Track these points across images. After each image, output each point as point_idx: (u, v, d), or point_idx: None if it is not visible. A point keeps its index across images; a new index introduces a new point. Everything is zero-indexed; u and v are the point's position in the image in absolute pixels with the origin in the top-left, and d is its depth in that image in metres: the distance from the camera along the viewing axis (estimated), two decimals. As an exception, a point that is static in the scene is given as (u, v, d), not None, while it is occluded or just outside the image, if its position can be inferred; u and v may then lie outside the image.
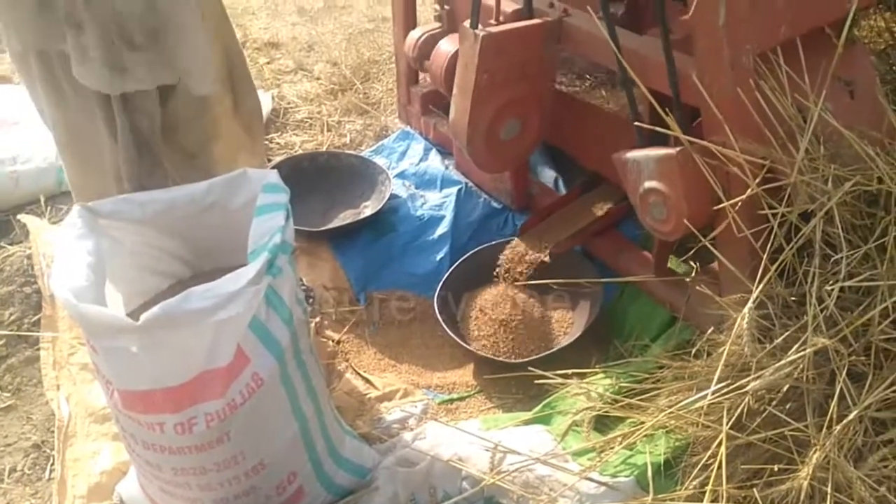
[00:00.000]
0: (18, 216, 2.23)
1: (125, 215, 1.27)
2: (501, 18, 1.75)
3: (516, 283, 1.89)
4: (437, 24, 2.11)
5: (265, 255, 1.16)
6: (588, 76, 2.11)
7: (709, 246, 1.41)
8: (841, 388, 1.25)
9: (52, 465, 1.62)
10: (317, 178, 2.28)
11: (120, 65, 1.30)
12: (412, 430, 1.64)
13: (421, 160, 2.39)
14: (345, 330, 1.94)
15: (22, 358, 1.86)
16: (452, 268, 2.01)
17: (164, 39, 1.34)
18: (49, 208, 2.31)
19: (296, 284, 1.30)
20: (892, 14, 2.31)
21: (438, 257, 2.09)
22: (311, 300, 1.94)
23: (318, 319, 1.92)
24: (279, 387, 1.25)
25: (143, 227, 1.30)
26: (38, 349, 1.86)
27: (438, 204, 2.20)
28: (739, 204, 1.36)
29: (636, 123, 1.55)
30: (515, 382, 1.77)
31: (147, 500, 1.39)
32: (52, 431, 1.67)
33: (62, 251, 1.16)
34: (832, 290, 1.30)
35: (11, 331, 1.90)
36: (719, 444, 1.24)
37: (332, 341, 1.88)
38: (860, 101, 1.57)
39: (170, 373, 1.12)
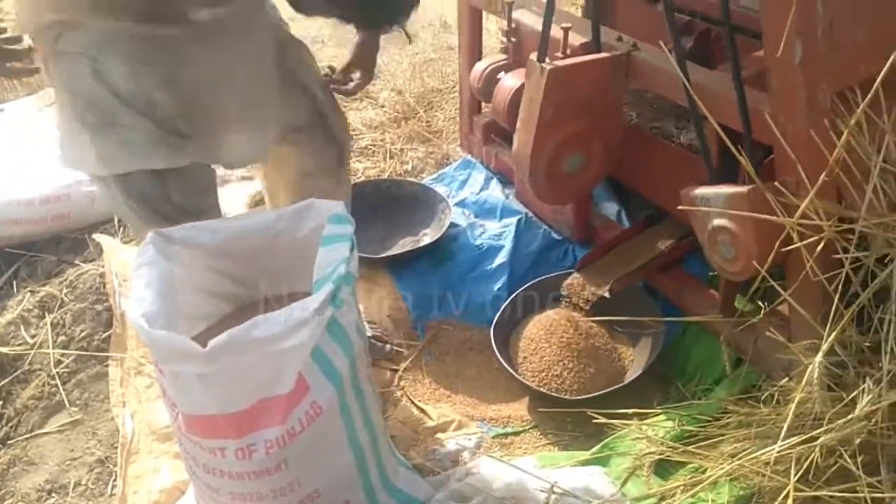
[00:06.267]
0: (93, 235, 2.32)
1: (196, 241, 1.30)
2: (569, 52, 1.75)
3: (575, 317, 1.86)
4: (503, 56, 2.12)
5: (330, 286, 1.18)
6: (657, 109, 2.08)
7: (779, 290, 1.36)
8: (920, 444, 1.19)
9: (115, 480, 1.67)
10: (378, 205, 2.31)
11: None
12: (466, 463, 1.62)
13: (482, 189, 2.40)
14: (404, 364, 1.93)
15: (91, 373, 1.93)
16: (510, 298, 2.00)
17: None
18: (122, 228, 2.40)
19: (357, 314, 1.32)
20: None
21: (497, 287, 2.08)
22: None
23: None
24: (337, 416, 1.26)
25: (212, 252, 1.33)
26: (107, 366, 1.92)
27: (498, 233, 2.19)
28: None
29: (707, 160, 1.52)
30: (572, 419, 1.74)
31: (204, 521, 1.41)
32: (116, 447, 1.72)
33: (136, 276, 1.20)
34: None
35: (82, 347, 1.98)
36: (786, 497, 1.19)
37: (389, 370, 1.89)
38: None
39: (233, 398, 1.14)
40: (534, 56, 1.67)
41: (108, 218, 2.42)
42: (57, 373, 1.92)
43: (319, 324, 1.17)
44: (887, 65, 1.25)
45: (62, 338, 2.01)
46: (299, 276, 1.32)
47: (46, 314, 2.08)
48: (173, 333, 1.11)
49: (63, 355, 1.96)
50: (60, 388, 1.89)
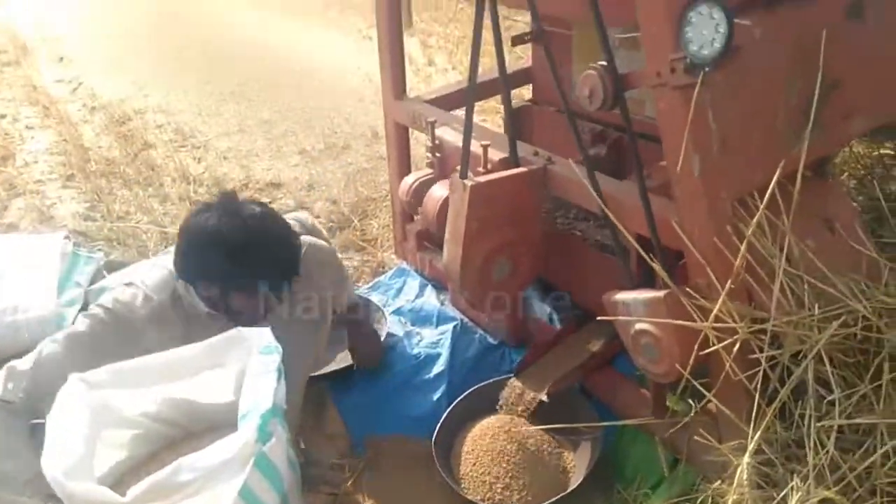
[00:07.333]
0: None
1: (120, 383, 1.27)
2: (489, 166, 1.83)
3: (514, 426, 1.86)
4: (430, 171, 2.19)
5: (256, 422, 1.16)
6: (582, 213, 2.18)
7: (703, 391, 1.40)
8: (850, 538, 1.21)
9: None
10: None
11: None
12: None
13: (416, 297, 2.42)
14: (344, 486, 1.87)
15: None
16: (450, 408, 1.98)
17: None
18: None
19: (288, 446, 1.29)
20: (870, 142, 2.39)
21: (436, 396, 2.06)
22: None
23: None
24: (269, 555, 1.21)
25: (137, 393, 1.30)
26: (29, 509, 1.81)
27: (435, 341, 2.20)
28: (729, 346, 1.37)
29: (625, 265, 1.58)
30: (519, 531, 1.70)
31: None
32: None
33: (55, 424, 1.15)
34: (830, 431, 1.29)
35: (2, 490, 1.86)
36: None
37: (328, 494, 1.83)
38: (841, 236, 1.61)
39: (156, 549, 1.10)
40: (457, 174, 1.73)
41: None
42: (-27, 521, 1.80)
43: (246, 461, 1.14)
44: (777, 171, 1.35)
45: (-20, 481, 1.89)
46: (230, 409, 1.30)
47: (-36, 456, 1.96)
48: (91, 484, 1.07)
49: (-19, 501, 1.84)
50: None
